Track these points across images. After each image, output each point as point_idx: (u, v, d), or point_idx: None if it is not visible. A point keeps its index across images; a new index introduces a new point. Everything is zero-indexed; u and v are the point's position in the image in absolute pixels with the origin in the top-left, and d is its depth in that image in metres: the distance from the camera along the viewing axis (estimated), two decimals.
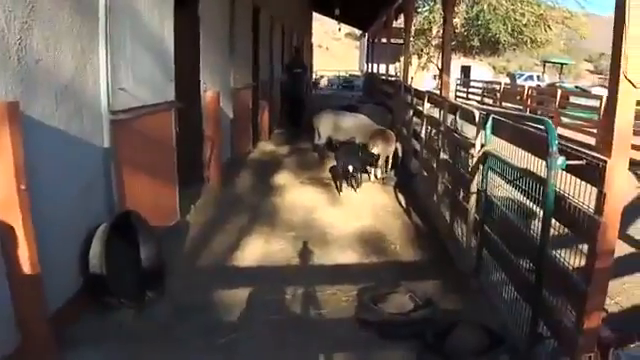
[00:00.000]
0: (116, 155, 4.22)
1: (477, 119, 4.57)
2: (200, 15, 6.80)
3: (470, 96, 29.32)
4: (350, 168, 7.71)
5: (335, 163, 8.13)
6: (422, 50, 32.66)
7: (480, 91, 28.95)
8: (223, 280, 4.59)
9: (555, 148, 3.01)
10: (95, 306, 3.87)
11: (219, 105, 7.25)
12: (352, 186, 7.82)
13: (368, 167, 8.35)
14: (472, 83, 32.81)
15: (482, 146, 4.40)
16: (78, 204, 3.82)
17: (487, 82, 31.55)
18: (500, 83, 28.02)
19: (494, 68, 52.19)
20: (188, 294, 4.30)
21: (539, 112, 19.43)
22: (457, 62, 35.60)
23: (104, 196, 4.20)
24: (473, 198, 4.59)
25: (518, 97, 23.35)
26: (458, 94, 30.12)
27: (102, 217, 4.06)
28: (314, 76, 34.44)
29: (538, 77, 35.93)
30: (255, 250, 5.31)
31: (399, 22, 20.13)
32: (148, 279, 4.22)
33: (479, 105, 19.43)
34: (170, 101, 5.43)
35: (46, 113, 3.37)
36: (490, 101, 25.83)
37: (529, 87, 23.78)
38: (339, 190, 7.70)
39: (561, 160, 2.99)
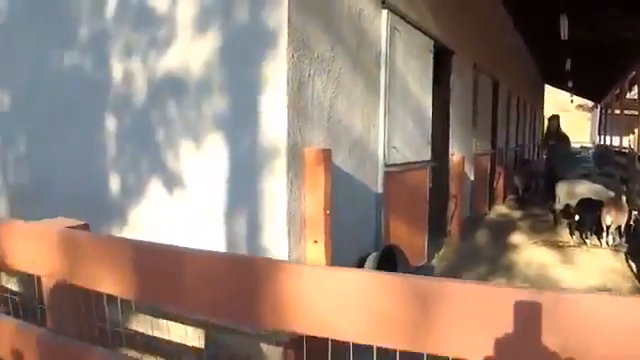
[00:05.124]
0: (385, 199, 4.91)
1: None
2: (451, 89, 7.46)
3: None
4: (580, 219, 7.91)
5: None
6: None
7: None
8: None
9: None
10: None
11: (464, 168, 7.76)
12: (584, 240, 7.83)
13: (600, 233, 8.23)
14: None
15: None
16: (356, 233, 4.54)
17: None
18: None
19: None
20: None
21: None
22: None
23: (373, 231, 4.88)
24: None
25: None
26: None
27: (370, 247, 4.74)
28: None
29: None
30: None
31: (633, 93, 19.05)
32: None
33: None
34: (427, 161, 6.07)
35: (342, 161, 4.17)
36: None
37: None
38: (572, 235, 8.11)
39: None
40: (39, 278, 1.93)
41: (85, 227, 1.90)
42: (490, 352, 1.24)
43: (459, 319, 1.26)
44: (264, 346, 3.71)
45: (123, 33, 4.24)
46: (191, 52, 3.83)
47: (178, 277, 1.53)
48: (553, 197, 9.80)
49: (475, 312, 1.26)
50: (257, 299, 1.39)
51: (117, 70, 4.28)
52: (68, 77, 4.62)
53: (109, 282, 1.69)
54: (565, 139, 12.18)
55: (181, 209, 3.92)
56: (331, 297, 1.31)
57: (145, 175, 4.12)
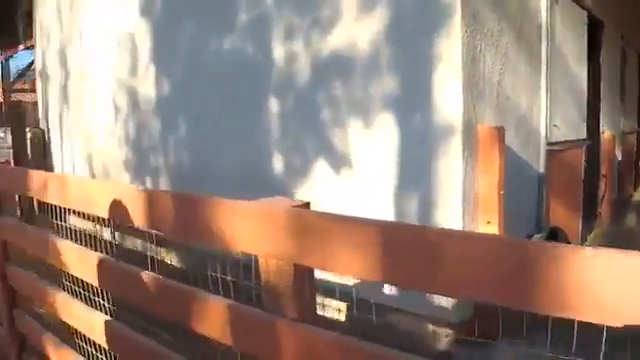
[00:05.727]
0: (547, 180, 4.64)
1: None
2: (601, 63, 6.93)
3: None
4: None
5: None
6: None
7: None
8: None
9: None
10: None
11: (614, 147, 7.23)
12: None
13: None
14: None
15: None
16: (521, 214, 4.31)
17: None
18: None
19: None
20: None
21: None
22: None
23: (535, 211, 4.63)
24: None
25: None
26: None
27: (532, 228, 4.50)
28: None
29: None
30: None
31: None
32: None
33: None
34: (582, 139, 5.68)
35: (510, 139, 3.94)
36: None
37: None
38: None
39: None
40: (256, 258, 1.91)
41: (306, 206, 1.85)
42: None
43: None
44: (431, 327, 3.62)
45: (284, 16, 4.26)
46: (357, 31, 3.78)
47: (436, 259, 1.44)
48: None
49: None
50: (532, 283, 1.29)
51: (278, 52, 4.32)
52: (228, 61, 4.73)
53: (347, 263, 1.62)
54: None
55: (349, 189, 3.90)
56: (622, 283, 1.18)
57: (310, 155, 4.14)
